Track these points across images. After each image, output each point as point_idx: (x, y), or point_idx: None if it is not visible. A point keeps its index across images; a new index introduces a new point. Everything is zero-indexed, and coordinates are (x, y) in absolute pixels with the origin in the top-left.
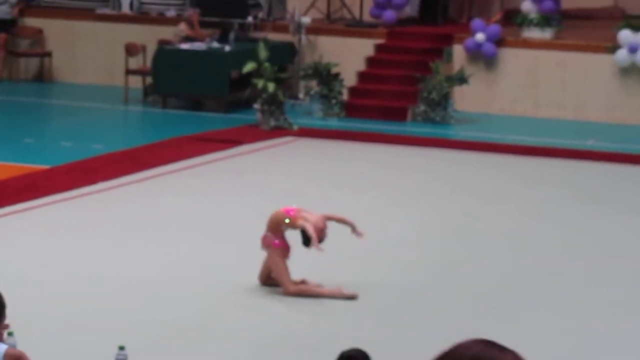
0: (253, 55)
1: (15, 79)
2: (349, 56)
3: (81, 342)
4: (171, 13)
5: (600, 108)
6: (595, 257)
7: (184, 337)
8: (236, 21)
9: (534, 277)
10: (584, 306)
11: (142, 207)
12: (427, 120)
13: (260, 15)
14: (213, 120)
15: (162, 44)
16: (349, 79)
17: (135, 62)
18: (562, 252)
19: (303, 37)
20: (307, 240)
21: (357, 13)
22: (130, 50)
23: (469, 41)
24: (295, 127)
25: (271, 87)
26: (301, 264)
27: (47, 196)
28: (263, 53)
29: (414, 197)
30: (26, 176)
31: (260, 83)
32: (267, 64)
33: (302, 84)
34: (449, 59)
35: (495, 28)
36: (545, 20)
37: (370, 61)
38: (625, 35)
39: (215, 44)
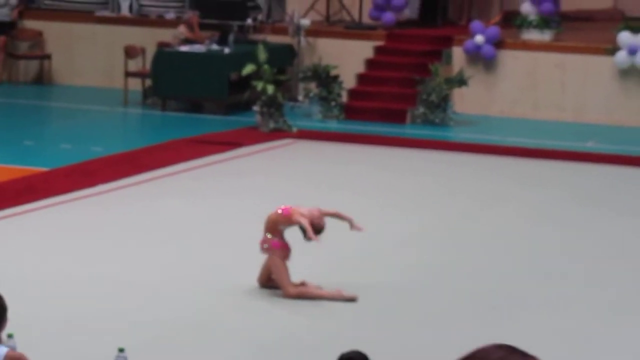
0: (252, 58)
1: (14, 81)
2: (348, 58)
3: (81, 344)
4: (170, 15)
5: (599, 110)
6: (594, 259)
7: (184, 339)
8: (235, 23)
9: (533, 279)
10: (583, 307)
11: (141, 209)
12: (427, 122)
13: (260, 17)
14: (212, 123)
15: (162, 46)
16: (348, 81)
17: (134, 65)
18: (562, 253)
19: (302, 39)
20: (305, 237)
21: (356, 15)
22: (130, 52)
23: (468, 43)
24: (295, 129)
25: (270, 89)
26: (300, 265)
27: (46, 198)
28: (262, 55)
29: (414, 199)
30: (25, 178)
31: (259, 85)
32: (266, 66)
33: (301, 86)
34: (448, 61)
35: (494, 30)
36: (544, 22)
37: (370, 63)
38: (625, 37)
39: (215, 46)
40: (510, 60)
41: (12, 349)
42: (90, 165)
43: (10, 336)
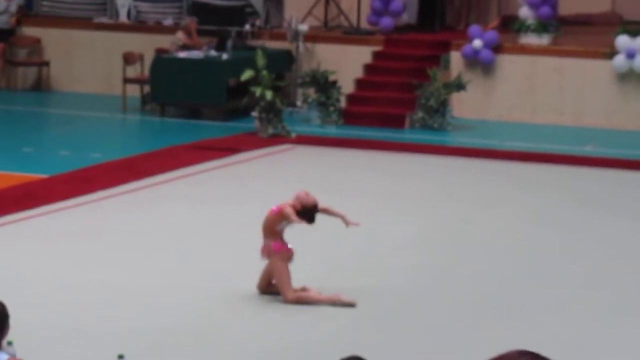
0: (251, 63)
1: (13, 88)
2: (346, 63)
3: (80, 350)
4: (168, 22)
5: (598, 114)
6: (593, 262)
7: (183, 345)
8: (234, 29)
9: (532, 282)
10: (582, 309)
11: (140, 215)
12: (425, 127)
13: (258, 23)
14: (211, 129)
15: (160, 52)
16: (347, 86)
17: (133, 71)
18: (560, 256)
19: (300, 44)
20: (311, 219)
21: (354, 20)
22: (128, 59)
23: (466, 48)
24: (293, 135)
25: (269, 95)
26: (299, 268)
27: (45, 205)
28: (261, 61)
29: (413, 203)
30: (24, 185)
31: (258, 91)
32: (264, 72)
33: (299, 91)
34: (447, 65)
35: (492, 34)
36: (542, 26)
37: (368, 68)
38: (623, 40)
39: (213, 52)
40: (509, 64)
41: (12, 355)
42: (89, 171)
43: (9, 343)
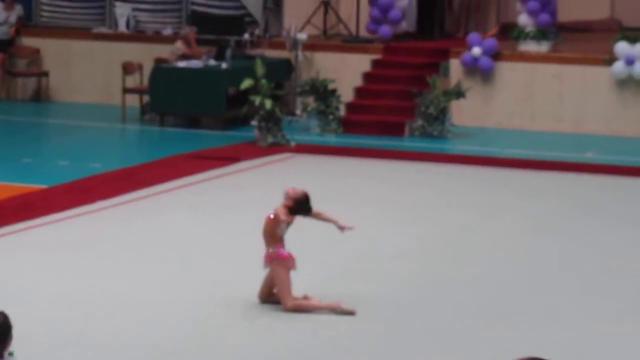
0: (250, 72)
1: (12, 98)
2: (345, 72)
3: None
4: (168, 31)
5: (597, 120)
6: (593, 269)
7: (184, 354)
8: (233, 38)
9: (533, 289)
10: (582, 317)
11: (140, 225)
12: (425, 134)
13: (257, 32)
14: (210, 138)
15: (159, 62)
16: (346, 94)
17: (132, 81)
18: (561, 264)
19: (300, 53)
20: (307, 210)
21: (353, 29)
22: (127, 68)
23: (465, 55)
24: (293, 144)
25: (268, 103)
26: (299, 277)
27: (44, 216)
28: (260, 70)
29: (412, 211)
30: (23, 196)
31: (257, 100)
32: (264, 81)
33: (299, 100)
34: (446, 73)
35: (491, 42)
36: (541, 34)
37: (367, 76)
38: (622, 47)
39: (212, 62)
40: (508, 71)
41: None
42: (88, 182)
43: (11, 354)
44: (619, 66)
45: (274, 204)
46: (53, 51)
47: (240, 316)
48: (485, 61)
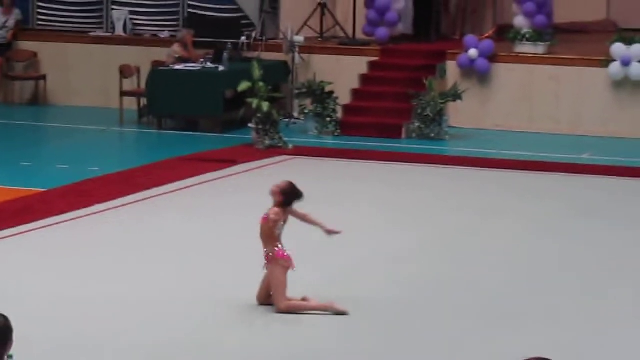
0: (247, 75)
1: (10, 102)
2: (342, 74)
3: None
4: (165, 34)
5: (594, 121)
6: (592, 270)
7: (183, 356)
8: (230, 41)
9: (532, 290)
10: (582, 318)
11: (138, 228)
12: (422, 136)
13: (254, 34)
14: (208, 140)
15: (156, 65)
16: (343, 96)
17: (129, 84)
18: (559, 265)
19: (297, 55)
20: (297, 196)
21: (350, 31)
22: (125, 72)
23: (462, 57)
24: (291, 146)
25: (265, 106)
26: (297, 279)
27: (43, 219)
28: (257, 72)
29: (411, 213)
30: (22, 199)
31: (254, 102)
32: (261, 84)
33: (296, 102)
34: (443, 75)
35: (488, 44)
36: (538, 35)
37: (364, 79)
38: (618, 48)
39: (209, 64)
40: (505, 73)
41: None
42: (87, 185)
43: (10, 357)
44: (615, 67)
45: (271, 206)
46: (50, 55)
47: (239, 318)
48: (482, 63)
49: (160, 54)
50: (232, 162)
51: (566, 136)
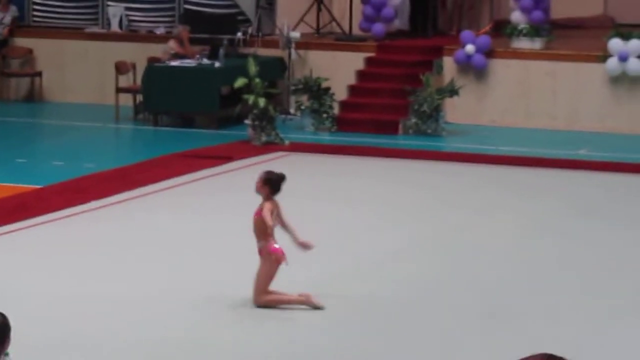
0: (243, 71)
1: (5, 99)
2: (339, 70)
3: None
4: (160, 30)
5: (591, 117)
6: (589, 267)
7: (178, 355)
8: (226, 37)
9: (530, 288)
10: (580, 316)
11: (134, 225)
12: (419, 132)
13: (250, 30)
14: (204, 137)
15: (152, 61)
16: (340, 93)
17: (125, 80)
18: (557, 262)
19: (293, 51)
20: (280, 179)
21: (346, 27)
22: (120, 68)
23: (458, 53)
24: (287, 142)
25: (262, 102)
26: (295, 277)
27: (39, 216)
28: (253, 68)
29: (407, 210)
30: (18, 196)
31: (250, 99)
32: (257, 80)
33: (292, 98)
34: (439, 71)
35: (484, 39)
36: (534, 31)
37: (361, 75)
38: (615, 43)
39: (205, 61)
40: (501, 69)
41: None
42: (82, 182)
43: (6, 355)
44: (612, 63)
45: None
46: (46, 51)
47: (233, 317)
48: (479, 59)
49: (156, 50)
50: (228, 159)
51: (563, 132)
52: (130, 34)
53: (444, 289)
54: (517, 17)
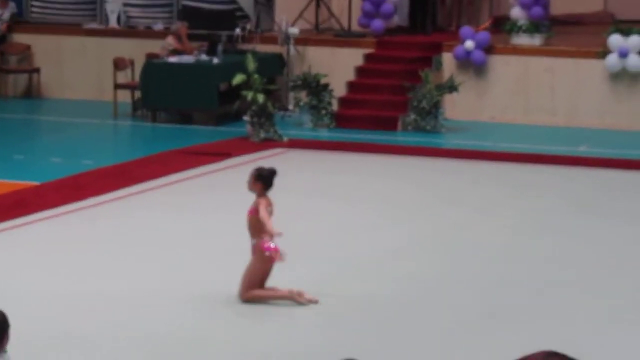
0: (242, 67)
1: (3, 95)
2: (338, 66)
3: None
4: (159, 27)
5: (591, 114)
6: (589, 265)
7: (174, 353)
8: (224, 33)
9: (530, 286)
10: (580, 315)
11: (132, 222)
12: (418, 129)
13: (248, 27)
14: (203, 133)
15: (150, 57)
16: (339, 89)
17: (123, 77)
18: (557, 260)
19: (292, 48)
20: (272, 174)
21: (345, 23)
22: (119, 64)
23: (458, 49)
24: (286, 139)
25: (260, 98)
26: (293, 275)
27: (37, 213)
28: (251, 65)
29: (406, 207)
30: (16, 193)
31: (249, 95)
32: (255, 76)
33: (291, 95)
34: (439, 67)
35: (484, 35)
36: (534, 27)
37: (360, 71)
38: (615, 40)
39: (204, 57)
40: (501, 65)
41: None
42: (80, 178)
43: (4, 352)
44: (612, 59)
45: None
46: (44, 48)
47: (230, 314)
48: (478, 55)
49: (154, 46)
50: (227, 155)
51: (563, 128)
52: (129, 30)
53: (444, 287)
54: (516, 13)
